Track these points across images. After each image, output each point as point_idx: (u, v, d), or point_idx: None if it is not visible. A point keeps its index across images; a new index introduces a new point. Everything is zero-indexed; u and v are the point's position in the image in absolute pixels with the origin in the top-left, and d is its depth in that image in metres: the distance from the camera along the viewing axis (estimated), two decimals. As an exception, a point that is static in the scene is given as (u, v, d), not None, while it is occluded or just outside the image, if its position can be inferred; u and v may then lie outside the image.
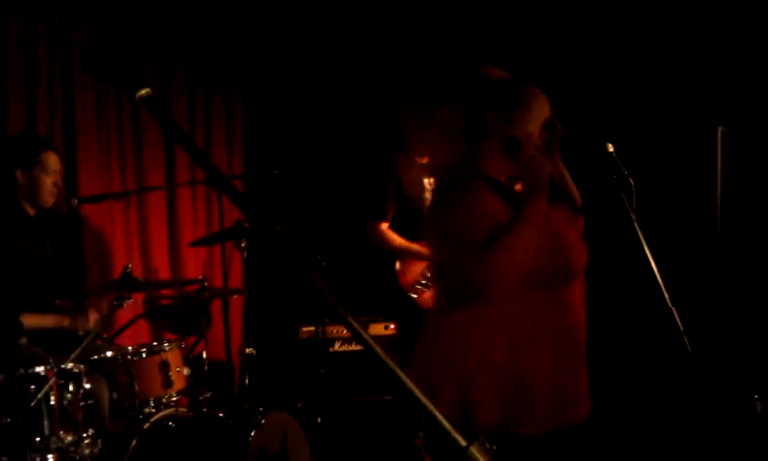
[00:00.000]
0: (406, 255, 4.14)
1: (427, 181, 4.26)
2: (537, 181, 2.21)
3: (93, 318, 3.68)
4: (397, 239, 4.14)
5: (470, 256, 2.14)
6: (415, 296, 4.11)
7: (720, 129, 4.28)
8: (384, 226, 4.14)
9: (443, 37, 5.42)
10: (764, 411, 3.69)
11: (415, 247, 4.13)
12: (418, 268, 4.14)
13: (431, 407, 0.99)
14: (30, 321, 3.36)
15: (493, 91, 2.25)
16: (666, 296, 3.05)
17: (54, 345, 3.37)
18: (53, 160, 3.76)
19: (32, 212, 3.76)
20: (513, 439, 2.15)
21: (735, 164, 4.40)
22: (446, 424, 0.99)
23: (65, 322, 3.64)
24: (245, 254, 4.17)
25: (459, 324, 2.22)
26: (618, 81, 4.86)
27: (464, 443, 0.99)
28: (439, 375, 2.21)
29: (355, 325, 1.09)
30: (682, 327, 3.06)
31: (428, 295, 4.11)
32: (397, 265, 4.16)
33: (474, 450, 0.98)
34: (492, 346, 2.19)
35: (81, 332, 3.59)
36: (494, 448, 0.97)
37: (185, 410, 3.79)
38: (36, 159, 3.70)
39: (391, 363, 1.07)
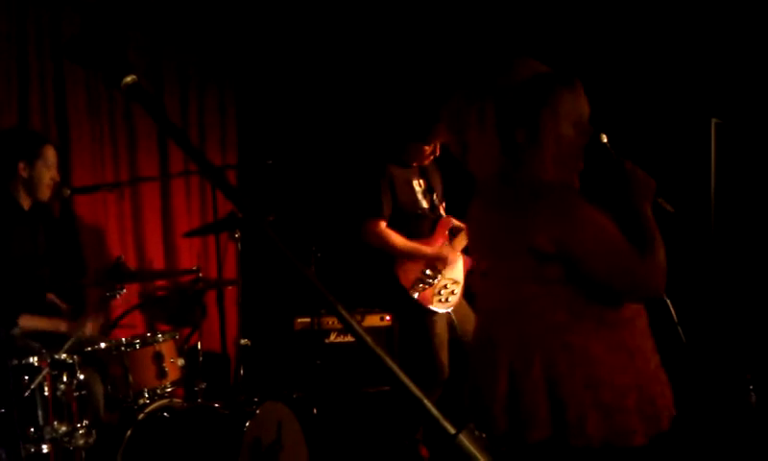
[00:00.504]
0: (408, 255, 4.11)
1: (416, 183, 4.26)
2: (650, 190, 2.28)
3: (92, 325, 3.67)
4: (398, 238, 4.11)
5: (631, 261, 2.10)
6: (416, 295, 4.09)
7: (714, 120, 4.29)
8: (383, 224, 4.12)
9: (435, 32, 5.42)
10: (759, 402, 3.71)
11: (416, 246, 4.12)
12: (418, 266, 4.13)
13: (420, 395, 0.99)
14: (27, 322, 3.36)
15: (522, 89, 2.13)
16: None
17: (47, 335, 3.37)
18: (52, 154, 3.77)
19: (26, 206, 3.75)
20: (612, 451, 2.08)
21: (729, 156, 4.41)
22: (435, 412, 1.00)
23: (62, 327, 3.60)
24: (239, 244, 4.16)
25: (580, 334, 2.10)
26: (613, 72, 4.86)
27: (453, 431, 0.99)
28: (538, 388, 2.08)
29: (345, 314, 1.09)
30: (676, 319, 3.06)
31: (430, 292, 4.10)
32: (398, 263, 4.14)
33: (464, 438, 0.98)
34: (599, 357, 2.10)
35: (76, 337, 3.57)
36: (483, 435, 0.97)
37: (180, 401, 3.80)
38: (39, 153, 3.70)
39: (381, 352, 1.07)
